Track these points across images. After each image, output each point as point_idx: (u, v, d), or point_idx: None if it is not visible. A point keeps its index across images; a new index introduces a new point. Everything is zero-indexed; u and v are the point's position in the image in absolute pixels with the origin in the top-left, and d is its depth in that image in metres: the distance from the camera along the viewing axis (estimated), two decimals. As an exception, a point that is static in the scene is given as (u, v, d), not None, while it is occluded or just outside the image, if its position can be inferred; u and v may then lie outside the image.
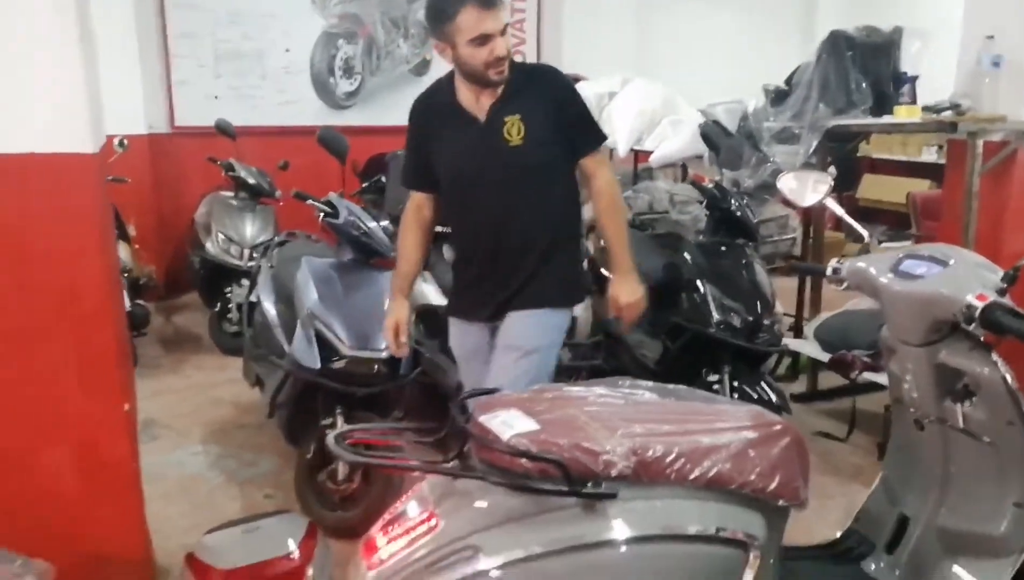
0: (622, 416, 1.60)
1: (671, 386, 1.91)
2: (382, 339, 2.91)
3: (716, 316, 3.31)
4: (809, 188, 2.15)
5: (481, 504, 1.50)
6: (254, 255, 5.07)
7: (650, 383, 1.90)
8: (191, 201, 5.73)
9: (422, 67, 6.93)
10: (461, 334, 2.48)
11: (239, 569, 2.19)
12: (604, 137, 2.47)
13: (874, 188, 7.34)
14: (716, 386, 3.35)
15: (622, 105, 5.17)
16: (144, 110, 6.16)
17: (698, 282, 3.42)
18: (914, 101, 3.56)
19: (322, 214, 3.19)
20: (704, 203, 3.57)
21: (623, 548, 1.46)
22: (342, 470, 2.87)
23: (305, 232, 4.34)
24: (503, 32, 2.17)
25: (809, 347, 4.04)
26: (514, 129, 2.24)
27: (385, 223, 3.35)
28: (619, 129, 5.10)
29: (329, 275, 3.10)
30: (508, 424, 1.54)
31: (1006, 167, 3.41)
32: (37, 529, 2.18)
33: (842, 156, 8.07)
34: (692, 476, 1.53)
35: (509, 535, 1.46)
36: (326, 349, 2.88)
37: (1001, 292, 1.65)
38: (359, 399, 2.90)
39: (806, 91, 3.64)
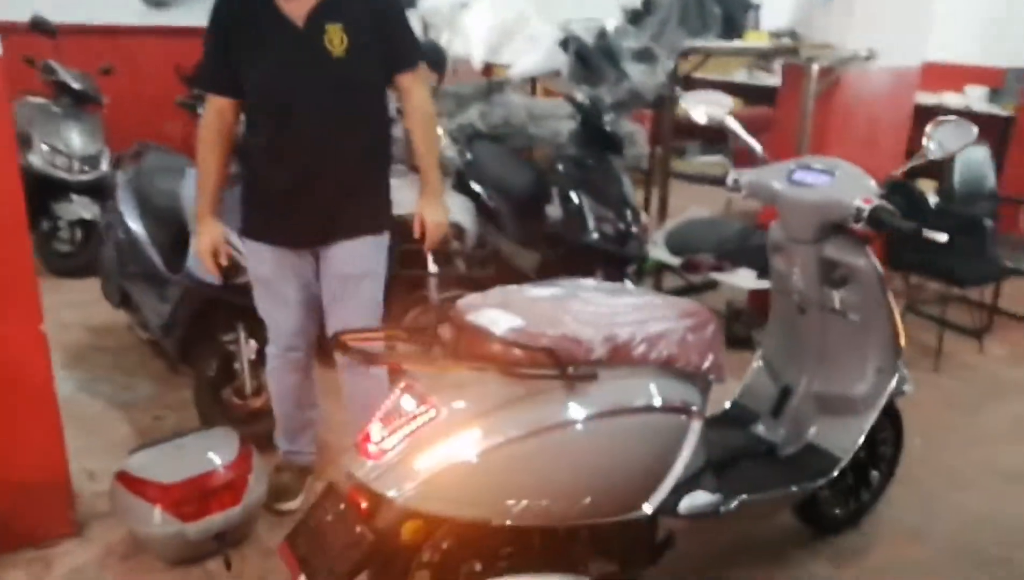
0: (585, 310, 1.80)
1: (599, 283, 2.14)
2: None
3: (592, 225, 3.59)
4: (712, 107, 2.41)
5: (477, 392, 1.66)
6: (84, 168, 4.69)
7: (588, 282, 2.12)
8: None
9: (251, -34, 6.49)
10: (263, 258, 2.32)
11: (183, 482, 2.21)
12: (423, 54, 2.37)
13: (691, 106, 7.92)
14: (591, 289, 3.66)
15: (476, 17, 5.21)
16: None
17: (573, 193, 3.67)
18: (757, 27, 3.95)
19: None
20: (580, 119, 3.78)
21: (602, 421, 1.69)
22: (249, 385, 2.87)
23: (155, 143, 4.07)
24: None
25: (659, 252, 4.45)
26: (336, 39, 2.10)
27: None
28: (473, 41, 5.15)
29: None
30: (496, 321, 1.70)
31: (831, 91, 3.90)
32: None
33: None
34: (651, 358, 1.78)
35: (507, 417, 1.63)
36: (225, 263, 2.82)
37: (881, 197, 2.01)
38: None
39: (666, 14, 3.91)
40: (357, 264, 2.32)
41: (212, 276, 2.37)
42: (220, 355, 2.91)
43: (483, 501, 1.63)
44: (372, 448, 1.67)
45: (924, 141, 2.01)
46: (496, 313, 1.72)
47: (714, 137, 8.13)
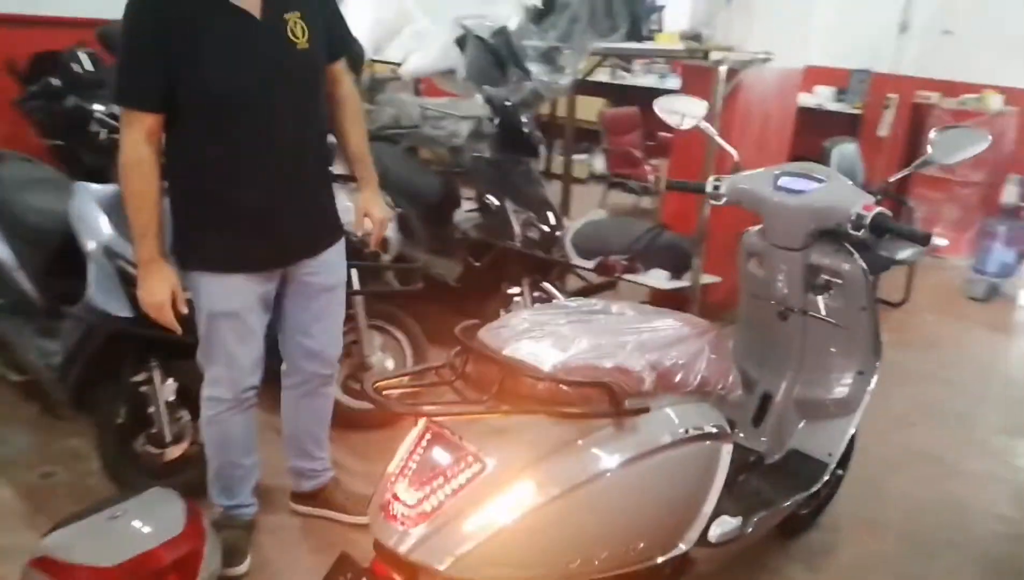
0: (619, 335, 1.66)
1: (596, 302, 2.00)
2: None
3: (518, 231, 3.45)
4: (685, 112, 2.33)
5: (525, 439, 1.47)
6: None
7: (583, 300, 1.97)
8: None
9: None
10: (231, 290, 2.01)
11: (126, 563, 1.85)
12: (354, 40, 2.28)
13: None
14: (517, 298, 3.53)
15: (356, 11, 4.90)
16: None
17: (495, 198, 3.50)
18: (661, 28, 3.96)
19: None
20: (498, 120, 3.62)
21: (656, 457, 1.56)
22: (169, 431, 2.49)
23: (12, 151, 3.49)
24: None
25: (567, 254, 4.37)
26: (298, 29, 1.91)
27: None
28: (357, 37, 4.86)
29: (119, 203, 2.57)
30: (539, 355, 1.52)
31: (734, 92, 3.99)
32: None
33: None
34: (688, 384, 1.68)
35: (563, 464, 1.47)
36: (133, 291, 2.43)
37: (878, 204, 2.01)
38: (179, 347, 2.52)
39: (574, 13, 3.83)
40: (336, 273, 2.20)
41: (168, 323, 2.02)
42: (129, 398, 2.50)
43: (541, 561, 1.46)
44: (405, 512, 1.45)
45: (928, 148, 2.02)
46: (533, 345, 1.55)
47: (578, 137, 8.26)
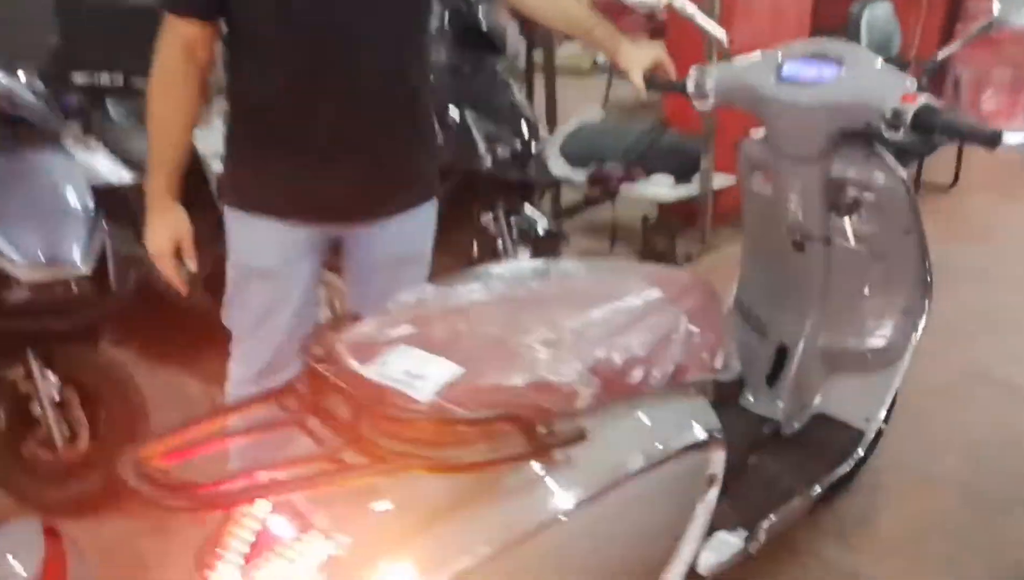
0: (543, 320, 1.15)
1: (524, 263, 1.48)
2: (74, 244, 2.07)
3: (483, 149, 2.90)
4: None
5: (402, 498, 1.00)
6: None
7: (510, 265, 1.46)
8: None
9: None
10: (267, 242, 1.69)
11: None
12: None
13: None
14: (491, 227, 3.02)
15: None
16: None
17: (454, 110, 2.94)
18: None
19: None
20: (447, 14, 3.02)
21: (601, 499, 1.08)
22: (59, 431, 2.09)
23: None
24: None
25: (557, 165, 3.81)
26: None
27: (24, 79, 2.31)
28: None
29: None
30: (417, 374, 1.02)
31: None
32: None
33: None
34: (653, 378, 1.17)
35: (452, 537, 0.99)
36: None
37: (922, 89, 1.43)
38: (57, 333, 2.09)
39: None
40: (412, 243, 1.80)
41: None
42: (7, 398, 2.10)
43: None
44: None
45: (994, 3, 1.42)
46: (411, 357, 1.05)
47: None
